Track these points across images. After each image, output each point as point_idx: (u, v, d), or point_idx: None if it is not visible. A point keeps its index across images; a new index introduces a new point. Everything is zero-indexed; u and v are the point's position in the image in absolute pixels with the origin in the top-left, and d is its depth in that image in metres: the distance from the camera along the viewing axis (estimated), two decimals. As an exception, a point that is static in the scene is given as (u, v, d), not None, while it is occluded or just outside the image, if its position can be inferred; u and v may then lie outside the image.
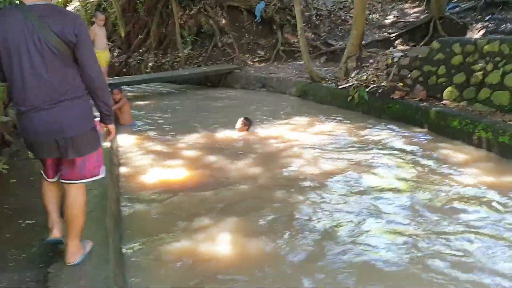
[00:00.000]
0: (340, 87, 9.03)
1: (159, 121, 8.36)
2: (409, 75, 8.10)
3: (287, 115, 8.45)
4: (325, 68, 11.42)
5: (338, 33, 13.77)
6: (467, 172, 5.03)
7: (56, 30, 2.47)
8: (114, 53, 15.00)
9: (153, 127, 7.79)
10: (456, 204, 4.27)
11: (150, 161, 5.86)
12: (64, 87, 2.56)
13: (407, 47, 11.50)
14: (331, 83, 9.58)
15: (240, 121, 7.00)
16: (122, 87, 8.13)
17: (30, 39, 2.46)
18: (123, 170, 5.54)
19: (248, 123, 7.02)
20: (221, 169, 5.58)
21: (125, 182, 5.17)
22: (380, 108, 8.02)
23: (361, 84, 8.52)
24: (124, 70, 14.90)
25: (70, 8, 17.32)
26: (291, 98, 10.19)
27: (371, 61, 9.38)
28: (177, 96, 11.17)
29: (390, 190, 4.68)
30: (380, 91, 8.21)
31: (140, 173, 5.42)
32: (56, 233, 2.88)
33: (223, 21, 14.02)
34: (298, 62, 12.65)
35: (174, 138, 7.04)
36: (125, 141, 6.77)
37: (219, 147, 6.47)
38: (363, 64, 9.44)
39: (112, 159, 5.49)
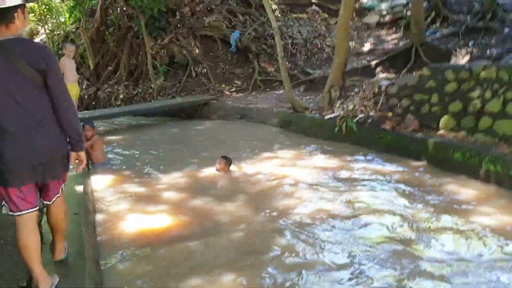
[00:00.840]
0: (326, 117, 8.64)
1: (134, 157, 7.72)
2: (398, 104, 7.79)
3: (272, 148, 7.97)
4: (306, 97, 11.08)
5: (315, 61, 13.56)
6: (482, 211, 4.61)
7: (26, 59, 2.58)
8: (83, 86, 14.33)
9: (128, 165, 7.15)
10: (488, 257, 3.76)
11: (128, 205, 5.22)
12: (38, 112, 2.65)
13: (390, 75, 11.36)
14: (315, 113, 9.19)
15: (218, 162, 6.45)
16: (93, 122, 7.46)
17: (3, 69, 2.55)
18: (99, 217, 4.88)
19: (228, 163, 6.46)
20: (207, 213, 5.00)
21: (102, 233, 4.51)
22: (370, 139, 7.65)
23: (348, 115, 8.15)
24: (93, 103, 14.23)
25: (37, 40, 16.63)
26: (273, 130, 9.73)
27: (355, 90, 9.07)
28: (151, 129, 10.54)
29: (397, 240, 4.17)
30: (369, 121, 7.86)
31: (118, 221, 4.77)
32: (45, 284, 2.79)
33: (197, 51, 13.61)
34: (276, 92, 12.32)
35: (152, 177, 6.42)
36: (100, 183, 6.10)
37: (202, 187, 5.89)
38: (347, 93, 9.12)
39: (87, 205, 4.84)
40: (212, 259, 3.94)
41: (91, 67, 14.70)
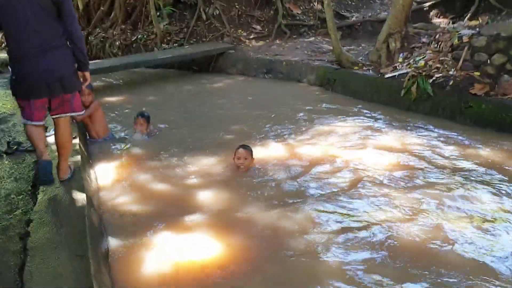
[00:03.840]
0: (386, 75, 6.91)
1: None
2: (488, 61, 6.07)
3: (318, 118, 6.28)
4: (345, 48, 9.25)
5: (351, 2, 11.60)
6: None
7: None
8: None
9: (136, 141, 5.48)
10: None
11: (148, 220, 3.62)
12: (51, 37, 3.25)
13: (446, 20, 9.53)
14: (367, 69, 7.44)
15: (236, 156, 4.45)
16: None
17: (24, 1, 3.13)
18: (112, 244, 3.29)
19: (249, 153, 4.52)
20: (267, 232, 3.43)
21: (115, 274, 2.95)
22: (453, 107, 6.01)
23: (419, 73, 6.44)
24: (83, 50, 12.27)
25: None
26: (312, 89, 8.01)
27: (423, 40, 7.27)
28: (156, 87, 8.73)
29: None
30: (450, 83, 6.16)
31: (135, 253, 3.18)
32: (46, 157, 3.53)
33: (207, -12, 11.53)
34: (306, 39, 10.45)
35: (172, 163, 4.78)
36: (105, 177, 4.47)
37: (246, 182, 4.28)
38: (412, 45, 7.33)
39: (92, 221, 3.23)
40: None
41: (80, 7, 12.59)
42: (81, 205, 3.19)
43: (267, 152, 5.00)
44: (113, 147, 5.30)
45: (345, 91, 7.48)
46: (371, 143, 5.23)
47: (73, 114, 3.57)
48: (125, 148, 5.25)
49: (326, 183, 4.18)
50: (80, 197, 3.31)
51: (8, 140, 4.64)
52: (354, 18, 10.53)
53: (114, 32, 11.95)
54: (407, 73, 6.60)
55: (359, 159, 4.71)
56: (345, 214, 3.62)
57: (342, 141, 5.33)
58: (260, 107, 6.91)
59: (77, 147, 4.53)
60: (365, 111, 6.54)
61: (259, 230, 3.42)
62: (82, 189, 3.53)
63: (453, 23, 9.18)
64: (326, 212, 3.63)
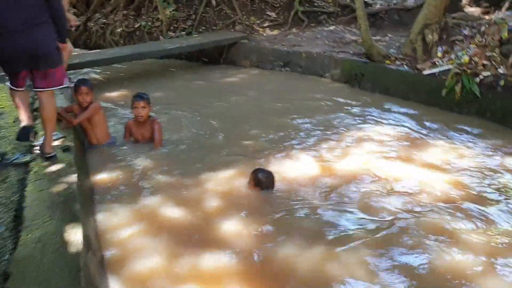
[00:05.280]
0: (425, 72, 6.18)
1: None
2: (546, 58, 5.34)
3: (352, 121, 5.60)
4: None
5: (374, -13, 10.79)
6: None
7: None
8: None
9: (143, 149, 4.78)
10: None
11: (158, 265, 2.92)
12: (36, 14, 3.46)
13: (480, 9, 8.75)
14: (401, 64, 6.71)
15: (251, 183, 3.83)
16: (90, 81, 4.93)
17: None
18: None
19: (265, 181, 3.80)
20: (311, 281, 2.74)
21: None
22: (506, 110, 5.29)
23: (464, 70, 5.71)
24: (83, 37, 11.57)
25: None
26: (337, 86, 7.28)
27: (465, 32, 6.52)
28: (162, 81, 7.98)
29: None
30: (501, 83, 5.43)
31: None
32: (27, 121, 3.74)
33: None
34: (325, 28, 9.68)
35: (182, 177, 4.09)
36: (106, 199, 3.77)
37: (274, 208, 3.59)
38: (453, 38, 6.58)
39: (90, 271, 2.55)
40: None
41: (79, -10, 11.89)
42: (76, 251, 2.50)
43: (292, 166, 4.30)
44: (115, 156, 4.60)
45: (375, 88, 6.76)
46: (416, 155, 4.53)
47: (56, 88, 3.77)
48: (129, 157, 4.55)
49: (374, 212, 3.48)
50: (74, 237, 2.61)
51: (-11, 150, 3.96)
52: (378, 6, 9.76)
53: (116, 18, 11.23)
54: (449, 70, 5.87)
55: (407, 177, 4.01)
56: (403, 263, 2.92)
57: (381, 152, 4.62)
58: (280, 107, 6.21)
59: (72, 154, 3.86)
60: (401, 112, 5.85)
61: (301, 277, 2.74)
62: (76, 219, 2.85)
63: (487, 12, 8.43)
64: (382, 256, 2.93)
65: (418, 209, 3.50)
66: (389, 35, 8.70)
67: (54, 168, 3.60)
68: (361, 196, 3.71)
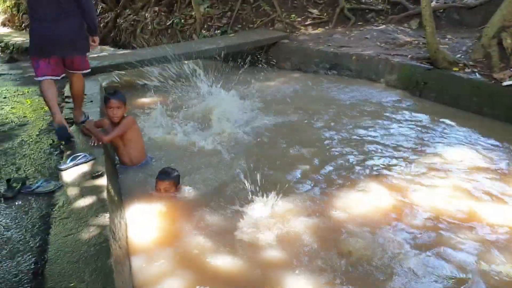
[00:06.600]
0: (504, 83, 5.40)
1: (190, 149, 4.72)
2: None
3: (420, 138, 4.91)
4: (424, 40, 7.71)
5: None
6: None
7: None
8: (97, 10, 11.11)
9: (187, 169, 4.17)
10: None
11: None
12: (66, 6, 3.94)
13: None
14: (472, 71, 5.93)
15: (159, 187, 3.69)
16: (123, 94, 4.31)
17: None
18: None
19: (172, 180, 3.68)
20: None
21: None
22: None
23: (555, 82, 4.92)
24: (111, 34, 11.08)
25: None
26: (394, 93, 6.56)
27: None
28: (194, 85, 7.34)
29: None
30: None
31: None
32: (60, 120, 3.96)
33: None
34: (375, 28, 8.94)
35: (227, 210, 3.46)
36: (140, 233, 3.18)
37: (353, 268, 2.92)
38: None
39: None
40: None
41: (108, -16, 11.41)
42: None
43: (362, 200, 3.62)
44: (151, 178, 4.00)
45: (441, 98, 6.01)
46: (507, 190, 3.78)
47: (81, 72, 4.29)
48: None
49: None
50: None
51: (9, 176, 3.40)
52: (434, 3, 8.92)
53: (147, 15, 10.70)
54: (536, 80, 5.09)
55: (502, 224, 3.27)
56: None
57: (462, 183, 3.88)
58: (331, 118, 5.54)
59: (104, 182, 3.26)
60: (477, 130, 5.09)
61: None
62: (107, 253, 2.24)
63: None
64: None
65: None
66: (449, 37, 7.91)
67: (83, 202, 3.00)
68: (461, 249, 3.01)
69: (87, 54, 4.34)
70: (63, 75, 4.21)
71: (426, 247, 3.00)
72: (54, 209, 2.94)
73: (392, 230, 3.21)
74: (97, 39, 4.35)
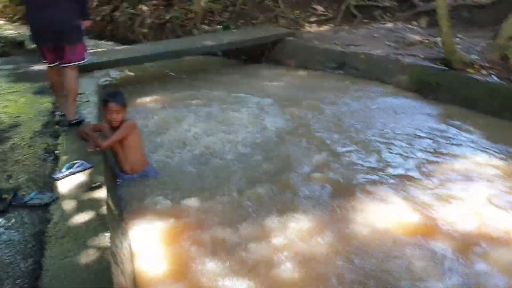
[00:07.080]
0: (524, 86, 5.16)
1: (195, 157, 4.44)
2: None
3: (440, 147, 4.63)
4: (434, 39, 7.46)
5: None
6: None
7: None
8: (93, 3, 10.79)
9: (192, 180, 3.90)
10: None
11: None
12: None
13: None
14: (488, 73, 5.68)
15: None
16: (123, 95, 4.00)
17: None
18: None
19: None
20: None
21: None
22: None
23: None
24: (108, 28, 10.73)
25: None
26: (405, 95, 6.28)
27: None
28: (198, 81, 7.07)
29: None
30: None
31: None
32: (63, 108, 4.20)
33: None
34: (382, 25, 8.67)
35: (239, 227, 3.20)
36: (142, 252, 2.91)
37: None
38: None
39: None
40: None
41: (105, -24, 11.06)
42: None
43: (381, 213, 3.36)
44: (154, 189, 3.72)
45: (456, 101, 5.76)
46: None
47: (76, 63, 4.10)
48: (171, 191, 3.66)
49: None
50: None
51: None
52: (444, 1, 8.63)
53: (145, 8, 10.35)
54: (560, 84, 4.83)
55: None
56: None
57: (489, 196, 3.63)
58: (342, 122, 5.27)
59: (103, 194, 2.98)
60: (498, 135, 4.83)
61: None
62: (109, 282, 1.98)
63: None
64: None
65: None
66: (459, 36, 7.63)
67: (80, 218, 2.71)
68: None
69: (83, 44, 4.17)
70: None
71: (460, 273, 2.74)
72: (48, 226, 2.65)
73: (418, 250, 2.95)
74: (88, 22, 4.26)
